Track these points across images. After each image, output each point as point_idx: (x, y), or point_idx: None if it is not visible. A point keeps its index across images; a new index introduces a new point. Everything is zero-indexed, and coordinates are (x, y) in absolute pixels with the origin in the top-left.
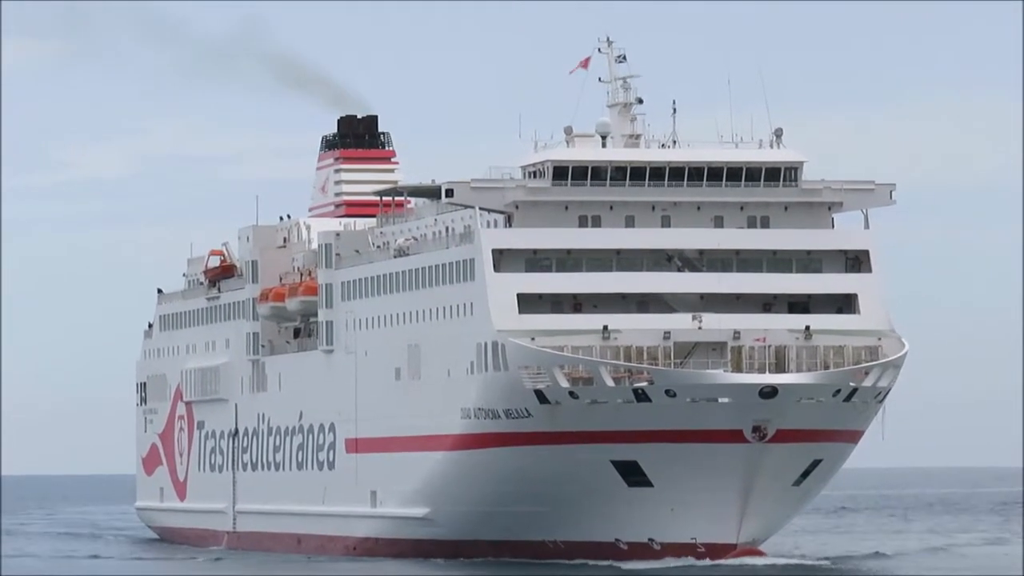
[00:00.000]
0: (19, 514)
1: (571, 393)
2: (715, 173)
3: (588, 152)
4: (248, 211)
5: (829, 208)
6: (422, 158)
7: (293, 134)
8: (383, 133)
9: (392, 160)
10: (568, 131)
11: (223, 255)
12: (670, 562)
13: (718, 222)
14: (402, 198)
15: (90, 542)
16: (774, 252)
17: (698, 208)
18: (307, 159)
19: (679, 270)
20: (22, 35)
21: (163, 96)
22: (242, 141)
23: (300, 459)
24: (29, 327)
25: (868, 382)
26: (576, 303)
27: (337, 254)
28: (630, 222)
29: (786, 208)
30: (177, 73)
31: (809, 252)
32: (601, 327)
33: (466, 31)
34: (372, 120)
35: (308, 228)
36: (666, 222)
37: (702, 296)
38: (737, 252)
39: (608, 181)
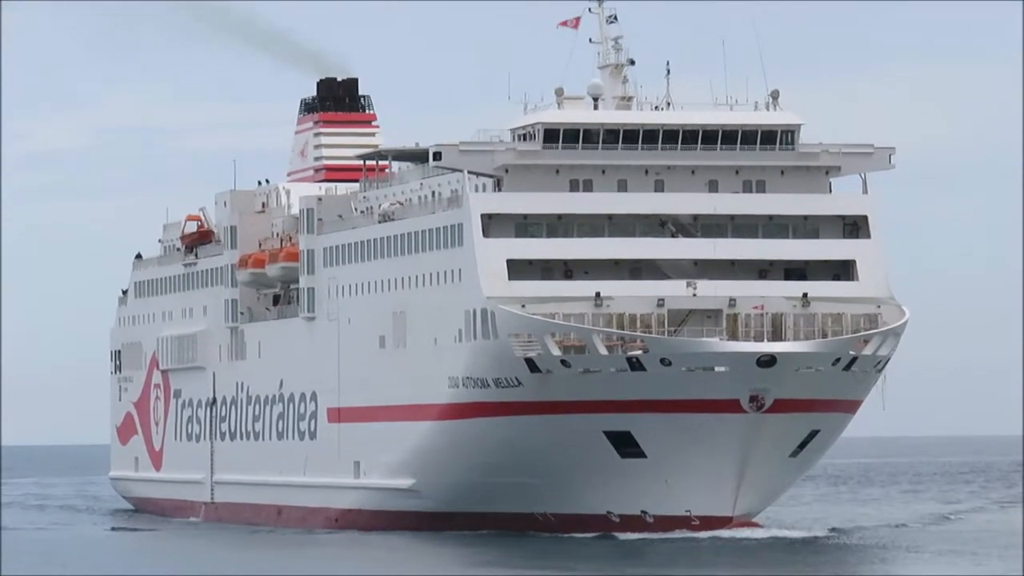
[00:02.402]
0: None
1: (563, 362)
2: (710, 136)
3: (579, 114)
4: (225, 179)
5: (827, 172)
6: (404, 122)
7: (270, 101)
8: (364, 96)
9: (373, 124)
10: (559, 93)
11: (200, 220)
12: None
13: (713, 186)
14: (385, 162)
15: (60, 513)
16: (770, 217)
17: (692, 172)
18: (285, 127)
19: (673, 236)
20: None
21: (133, 63)
22: (218, 108)
23: (280, 429)
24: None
25: (868, 351)
26: (567, 269)
27: (319, 219)
28: (622, 186)
29: (783, 172)
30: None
31: (806, 217)
32: (593, 294)
33: None
34: (352, 83)
35: (288, 193)
36: (659, 186)
37: (696, 262)
38: (732, 217)
39: (600, 144)
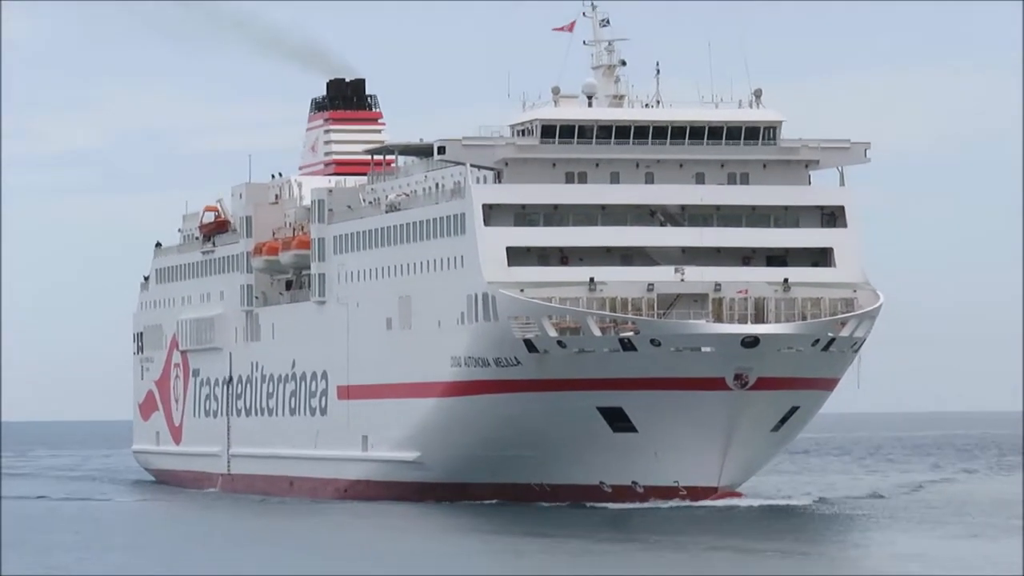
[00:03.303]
0: (19, 457)
1: (559, 342)
2: (697, 132)
3: (575, 111)
4: (240, 173)
5: (806, 166)
6: (408, 119)
7: (282, 100)
8: (370, 95)
9: (379, 121)
10: (555, 91)
11: (218, 211)
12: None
13: (699, 179)
14: (391, 156)
15: (87, 484)
16: (753, 207)
17: (680, 165)
18: (296, 125)
19: (662, 225)
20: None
21: (153, 65)
22: (234, 108)
23: (293, 405)
24: (29, 285)
25: (845, 332)
26: (563, 256)
27: (330, 209)
28: (615, 178)
29: (765, 165)
30: (167, 42)
31: (787, 208)
32: (587, 279)
33: None
34: (360, 83)
35: (299, 185)
36: (649, 178)
37: (684, 249)
38: (718, 207)
39: (594, 139)
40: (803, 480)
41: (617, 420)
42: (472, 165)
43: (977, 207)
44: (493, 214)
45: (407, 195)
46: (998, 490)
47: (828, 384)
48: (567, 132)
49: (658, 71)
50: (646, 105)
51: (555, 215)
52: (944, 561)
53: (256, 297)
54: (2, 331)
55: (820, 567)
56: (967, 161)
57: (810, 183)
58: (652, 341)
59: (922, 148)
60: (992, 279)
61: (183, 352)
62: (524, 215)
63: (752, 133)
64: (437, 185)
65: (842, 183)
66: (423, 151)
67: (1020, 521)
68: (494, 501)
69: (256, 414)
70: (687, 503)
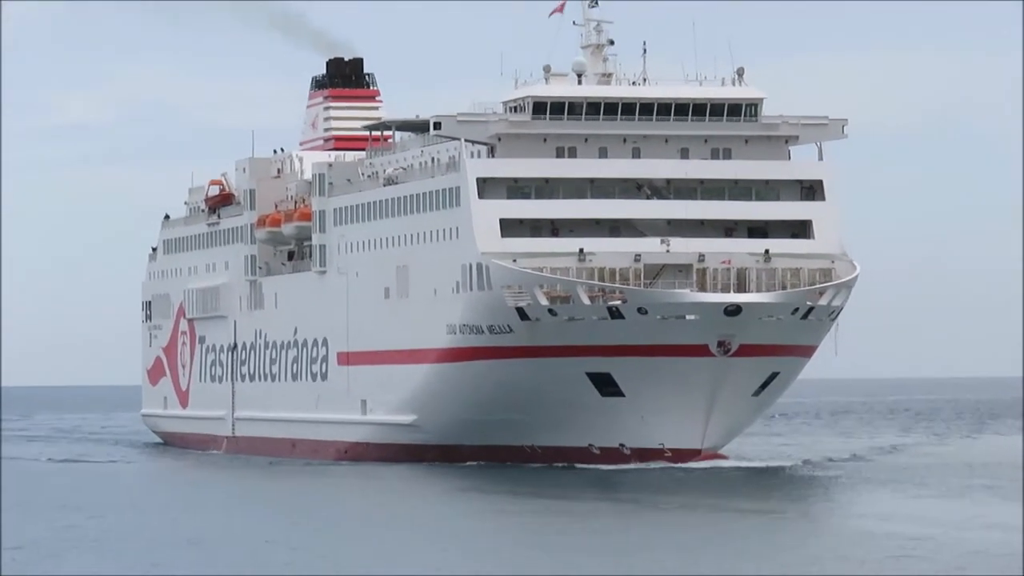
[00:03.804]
0: (27, 419)
1: (550, 310)
2: (681, 108)
3: (565, 89)
4: (244, 148)
5: (786, 141)
6: (404, 97)
7: (284, 79)
8: (368, 74)
9: (377, 99)
10: (546, 69)
11: (222, 184)
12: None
13: (684, 153)
14: (389, 132)
15: (97, 445)
16: (735, 181)
17: (666, 141)
18: (297, 102)
19: (648, 198)
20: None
21: (158, 45)
22: (237, 85)
23: (295, 371)
24: (37, 256)
25: (823, 301)
26: (554, 228)
27: (330, 183)
28: (603, 153)
29: (746, 141)
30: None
31: (767, 181)
32: (577, 250)
33: None
34: (358, 62)
35: (300, 160)
36: (636, 153)
37: (669, 222)
38: (701, 181)
39: (583, 116)
40: (782, 442)
41: (605, 385)
42: (466, 140)
43: (950, 180)
44: (487, 187)
45: (404, 169)
46: (969, 453)
47: (807, 351)
48: (557, 109)
49: (645, 50)
50: (633, 83)
51: (546, 188)
52: (923, 520)
53: (259, 267)
54: (1, 300)
55: (794, 525)
56: (942, 136)
57: (790, 158)
58: (639, 309)
59: (898, 124)
60: (963, 249)
61: (190, 320)
62: (516, 188)
63: (734, 110)
64: (433, 159)
65: (820, 158)
66: (419, 127)
67: (989, 482)
68: (487, 462)
69: (259, 379)
70: (672, 464)
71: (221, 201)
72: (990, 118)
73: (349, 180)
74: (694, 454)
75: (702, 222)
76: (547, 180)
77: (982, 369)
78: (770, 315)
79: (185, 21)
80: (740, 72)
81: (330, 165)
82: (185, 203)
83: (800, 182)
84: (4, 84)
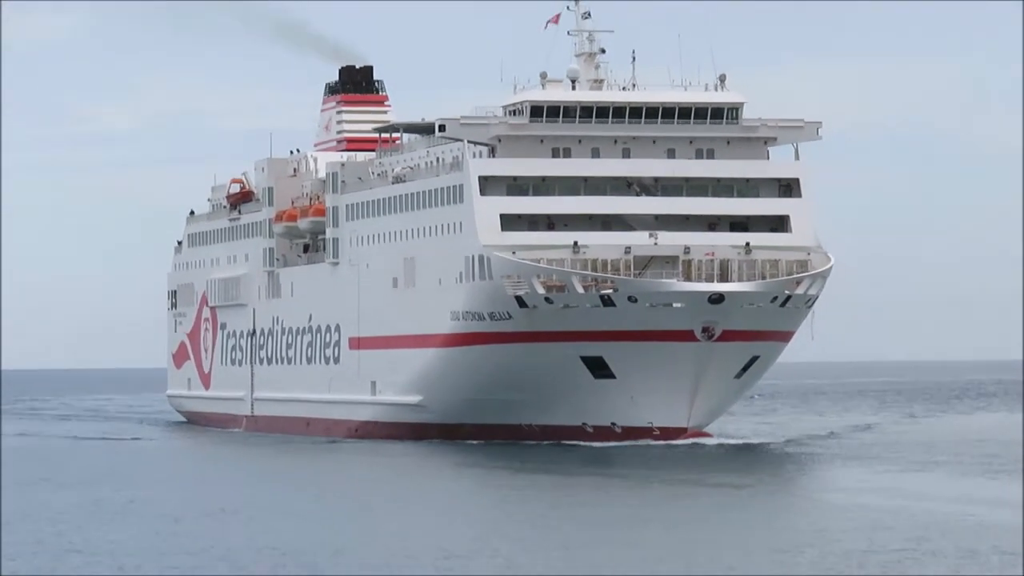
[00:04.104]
0: (62, 398)
1: (546, 299)
2: (668, 112)
3: (560, 94)
4: (262, 149)
5: (765, 142)
6: (411, 101)
7: (299, 85)
8: (378, 81)
9: (386, 103)
10: (543, 76)
11: (243, 183)
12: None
13: (671, 154)
14: (397, 134)
15: (125, 424)
16: (718, 180)
17: (653, 142)
18: (312, 107)
19: (637, 194)
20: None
21: (184, 55)
22: (256, 92)
23: (309, 355)
24: (73, 251)
25: (800, 290)
26: (550, 222)
27: (343, 181)
28: (596, 153)
29: (728, 142)
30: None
31: (748, 180)
32: (572, 243)
33: None
34: (368, 70)
35: (315, 160)
36: (626, 153)
37: (657, 217)
38: (687, 179)
39: (577, 119)
40: (763, 421)
41: (598, 368)
42: (469, 141)
43: (917, 179)
44: (488, 185)
45: (411, 168)
46: (936, 430)
47: (785, 336)
48: (553, 112)
49: (634, 58)
50: (623, 88)
51: (543, 186)
52: (890, 492)
53: (277, 259)
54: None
55: (772, 498)
56: (910, 138)
57: (768, 158)
58: (629, 298)
59: (869, 125)
60: (930, 241)
61: (212, 308)
62: (515, 186)
63: (717, 113)
64: (438, 159)
65: (797, 157)
66: (425, 129)
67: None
68: (488, 439)
69: (277, 363)
70: (659, 442)
71: (242, 198)
72: (954, 119)
73: (360, 178)
74: (681, 432)
75: (687, 217)
76: (544, 178)
77: (946, 353)
78: (751, 303)
79: (210, 34)
80: (722, 78)
81: (343, 164)
82: (208, 200)
83: (778, 180)
84: (43, 94)
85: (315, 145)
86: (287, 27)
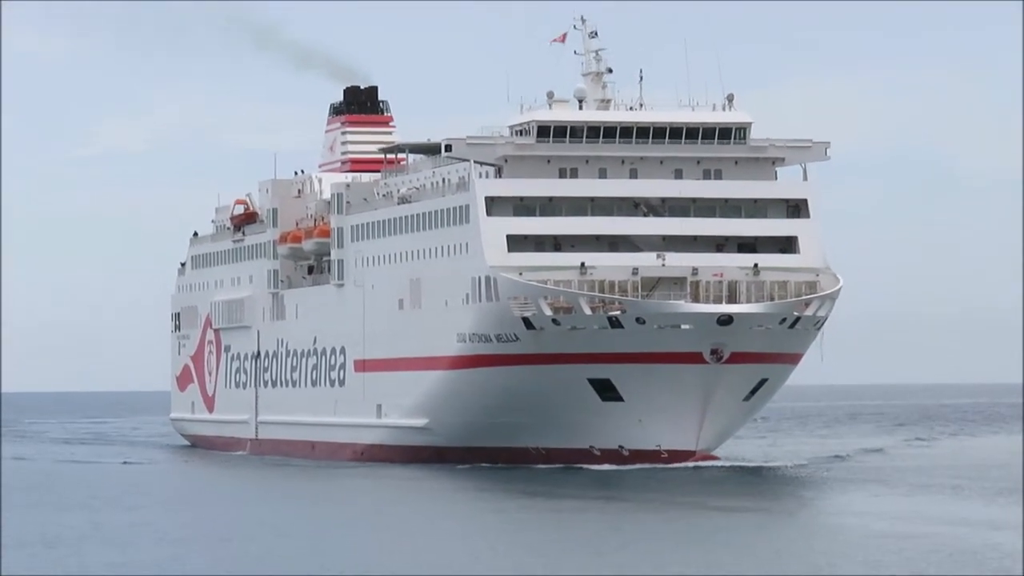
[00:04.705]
0: (63, 422)
1: (553, 320)
2: (676, 132)
3: (567, 114)
4: (266, 170)
5: (773, 162)
6: (415, 122)
7: (304, 106)
8: (382, 101)
9: (390, 124)
10: (549, 96)
11: (247, 204)
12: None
13: (678, 174)
14: (402, 155)
15: (127, 447)
16: (726, 200)
17: (661, 162)
18: (316, 127)
19: (645, 215)
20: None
21: (188, 75)
22: (260, 112)
23: (314, 377)
24: (74, 272)
25: (809, 312)
26: (557, 243)
27: (348, 202)
28: (603, 174)
29: (736, 162)
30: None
31: (756, 200)
32: (579, 264)
33: (456, 11)
34: (373, 90)
35: (319, 181)
36: (633, 174)
37: (664, 238)
38: (694, 200)
39: (584, 139)
40: (771, 444)
41: (605, 390)
42: (475, 161)
43: (926, 200)
44: (494, 205)
45: (417, 189)
46: (949, 454)
47: (794, 358)
48: (560, 132)
49: (641, 78)
50: (630, 108)
51: (550, 206)
52: (905, 517)
53: (281, 280)
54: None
55: (780, 522)
56: (917, 158)
57: (776, 178)
58: (637, 319)
59: (877, 146)
60: (940, 266)
61: (216, 330)
62: (522, 206)
63: (725, 133)
64: (444, 180)
65: (805, 178)
66: (431, 149)
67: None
68: (495, 463)
69: (281, 385)
70: (668, 465)
71: (245, 219)
72: (959, 141)
73: (365, 199)
74: (689, 455)
75: (695, 238)
76: (551, 199)
77: (958, 376)
78: (759, 325)
79: (214, 56)
80: (730, 98)
81: (347, 185)
82: (212, 221)
83: (786, 201)
84: (48, 113)
85: (320, 166)
86: (291, 47)
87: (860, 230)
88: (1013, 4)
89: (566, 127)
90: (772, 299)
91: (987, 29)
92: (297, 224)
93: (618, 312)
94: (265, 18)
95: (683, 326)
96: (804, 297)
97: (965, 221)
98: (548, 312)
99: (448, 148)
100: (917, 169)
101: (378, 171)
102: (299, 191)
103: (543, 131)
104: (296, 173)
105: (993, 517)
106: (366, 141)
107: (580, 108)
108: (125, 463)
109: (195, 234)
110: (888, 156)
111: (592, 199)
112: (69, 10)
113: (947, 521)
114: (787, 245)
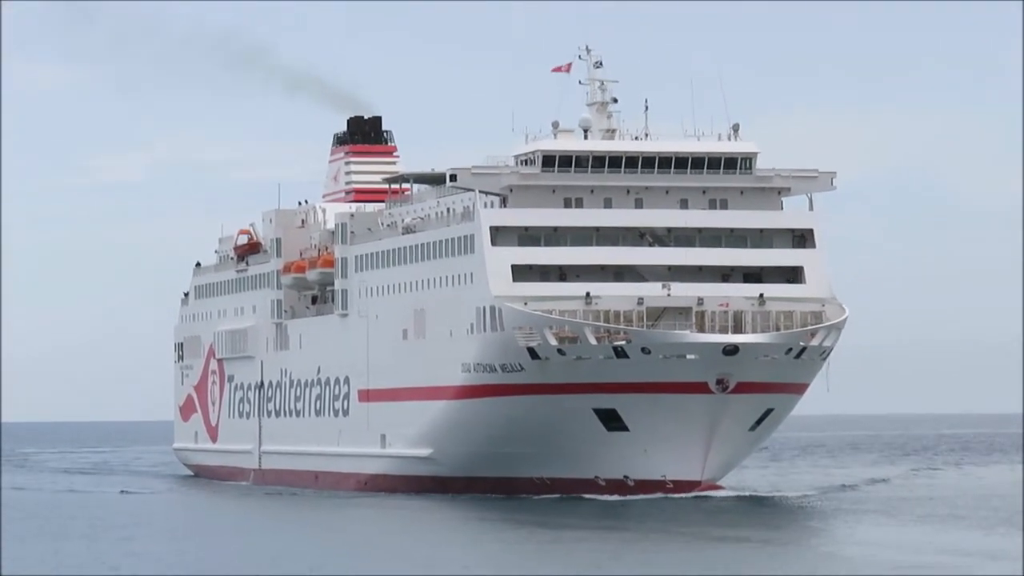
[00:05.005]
0: (67, 452)
1: (559, 350)
2: (681, 162)
3: (572, 144)
4: (270, 200)
5: (779, 192)
6: (420, 152)
7: (307, 136)
8: (386, 131)
9: (394, 154)
10: (555, 125)
11: (250, 234)
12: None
13: (683, 204)
14: (406, 185)
15: (130, 477)
16: (731, 230)
17: (666, 192)
18: (320, 158)
19: (650, 245)
20: (68, 61)
21: (191, 106)
22: (264, 143)
23: (318, 407)
24: (77, 302)
25: (815, 342)
26: (562, 273)
27: (352, 232)
28: (608, 203)
29: (742, 192)
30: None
31: (761, 230)
32: (584, 293)
33: (460, 42)
34: (377, 120)
35: (323, 211)
36: (639, 204)
37: (670, 267)
38: (700, 230)
39: (589, 168)
40: (774, 473)
41: (611, 420)
42: (480, 191)
43: (933, 230)
44: (499, 235)
45: (421, 219)
46: (954, 484)
47: (800, 388)
48: (565, 162)
49: (646, 107)
50: (635, 138)
51: (555, 236)
52: (914, 546)
53: (285, 311)
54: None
55: (787, 551)
56: (924, 188)
57: (782, 208)
58: (642, 349)
59: (884, 176)
60: (943, 296)
61: (219, 360)
62: (527, 236)
63: (730, 163)
64: (448, 210)
65: (811, 208)
66: (435, 179)
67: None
68: (499, 493)
69: (285, 415)
70: (673, 495)
71: (249, 249)
72: (962, 172)
73: (369, 229)
74: (694, 485)
75: (700, 268)
76: (556, 228)
77: (963, 406)
78: (765, 355)
79: (218, 87)
80: (735, 128)
81: (351, 215)
82: (215, 252)
83: (792, 231)
84: (48, 144)
85: (323, 196)
86: (295, 77)
87: (865, 259)
88: (1015, 35)
89: (571, 157)
90: (778, 329)
91: (990, 61)
92: (301, 254)
93: (623, 342)
94: (270, 49)
95: (689, 356)
96: (810, 327)
97: (968, 251)
98: (553, 342)
99: (453, 178)
100: (921, 199)
101: (382, 201)
102: (303, 221)
103: (548, 161)
104: (300, 203)
105: (993, 547)
106: (370, 171)
107: (585, 138)
108: (123, 492)
109: (198, 264)
110: (893, 186)
111: (597, 229)
112: (64, 39)
113: (949, 551)
114: (793, 275)
